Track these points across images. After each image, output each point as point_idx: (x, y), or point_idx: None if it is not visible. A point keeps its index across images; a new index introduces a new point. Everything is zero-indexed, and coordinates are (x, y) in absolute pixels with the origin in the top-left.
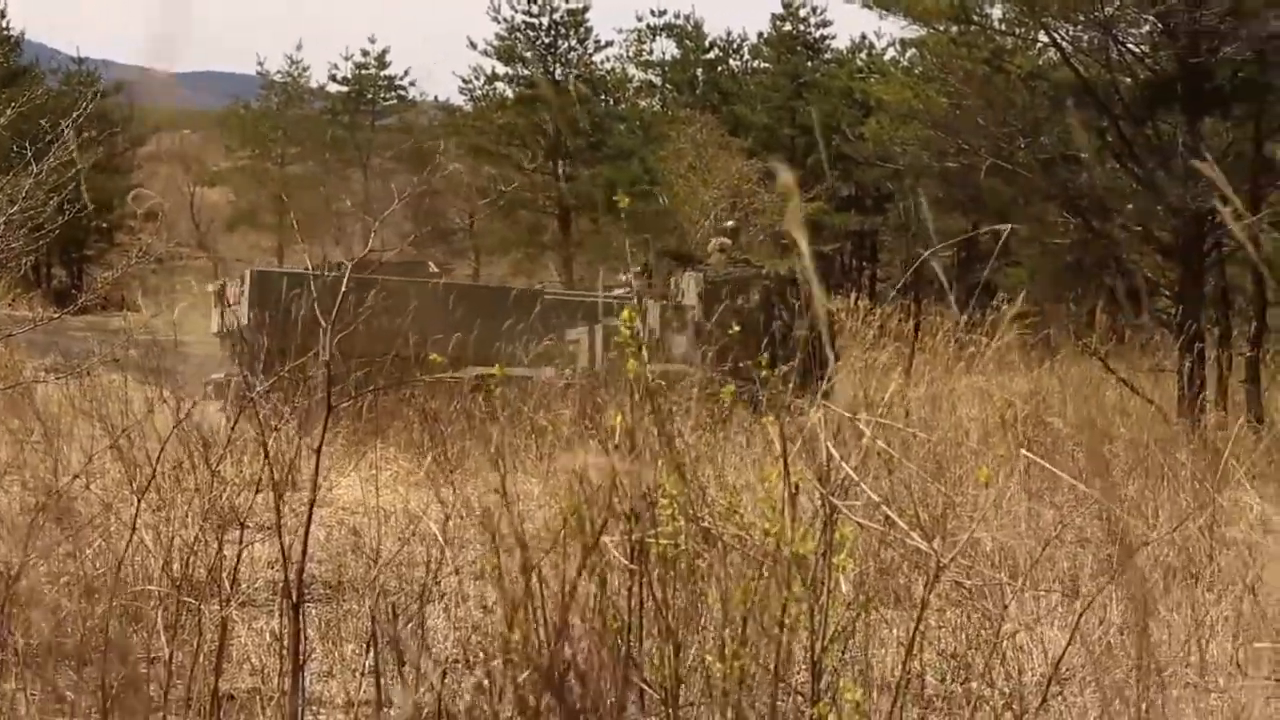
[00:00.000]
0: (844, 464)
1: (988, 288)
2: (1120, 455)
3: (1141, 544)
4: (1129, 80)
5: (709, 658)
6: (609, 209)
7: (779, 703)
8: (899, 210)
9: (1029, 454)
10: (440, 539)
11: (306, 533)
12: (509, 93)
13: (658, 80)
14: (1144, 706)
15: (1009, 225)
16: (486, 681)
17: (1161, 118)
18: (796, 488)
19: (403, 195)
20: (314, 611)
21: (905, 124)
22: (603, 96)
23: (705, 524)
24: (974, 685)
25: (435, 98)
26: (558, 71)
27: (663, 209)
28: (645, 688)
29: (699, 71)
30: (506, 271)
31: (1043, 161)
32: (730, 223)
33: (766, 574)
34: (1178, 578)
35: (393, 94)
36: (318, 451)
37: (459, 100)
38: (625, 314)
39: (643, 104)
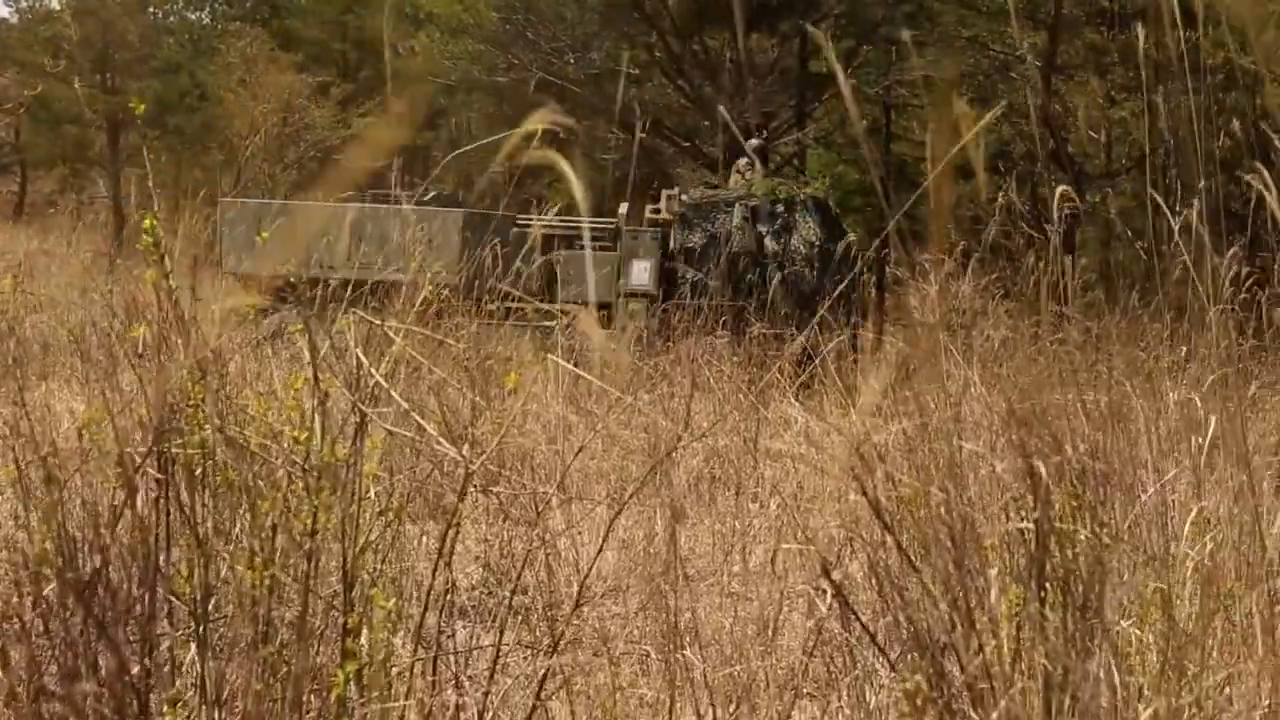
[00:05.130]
0: (373, 371)
1: (540, 203)
2: (669, 369)
3: (673, 450)
4: None
5: (239, 568)
6: (155, 123)
7: (310, 613)
8: (451, 126)
9: (561, 362)
10: None
11: None
12: (55, 4)
13: None
14: (676, 614)
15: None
16: (15, 596)
17: (709, 34)
18: (326, 395)
19: None
20: None
21: (456, 39)
22: (150, 9)
23: (233, 433)
24: (509, 594)
25: None
26: None
27: (210, 122)
28: (174, 599)
29: None
30: (54, 187)
31: (592, 76)
32: (754, 140)
33: (296, 482)
34: (723, 488)
35: None
36: None
37: (4, 12)
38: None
39: (192, 17)
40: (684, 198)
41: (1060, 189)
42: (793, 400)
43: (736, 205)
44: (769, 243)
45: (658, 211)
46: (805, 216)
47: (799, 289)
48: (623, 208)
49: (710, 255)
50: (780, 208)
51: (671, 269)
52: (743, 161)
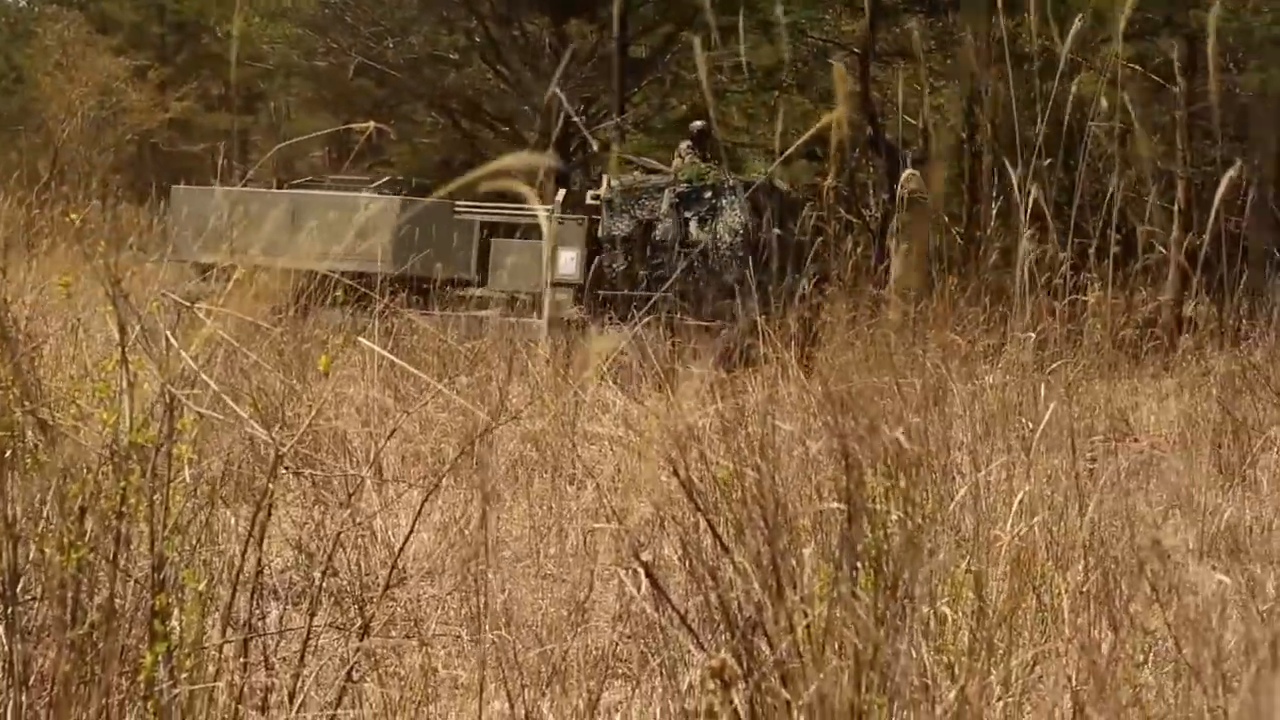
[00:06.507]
0: (184, 353)
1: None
2: (485, 353)
3: (485, 432)
4: None
5: (48, 550)
6: None
7: (118, 594)
8: (270, 110)
9: (368, 343)
10: None
11: None
12: None
13: None
14: (485, 596)
15: (373, 124)
16: None
17: (529, 19)
18: (135, 376)
19: None
20: None
21: (275, 22)
22: None
23: (43, 415)
24: (318, 575)
25: None
26: None
27: (27, 106)
28: None
29: None
30: None
31: (411, 61)
32: (698, 123)
33: (105, 464)
34: (540, 471)
35: None
36: None
37: None
38: None
39: (8, 1)
40: (613, 183)
41: (907, 172)
42: (610, 384)
43: (665, 191)
44: (694, 230)
45: (597, 198)
46: (733, 203)
47: (720, 278)
48: (559, 194)
49: (637, 242)
50: (709, 194)
51: (599, 256)
52: (684, 145)
